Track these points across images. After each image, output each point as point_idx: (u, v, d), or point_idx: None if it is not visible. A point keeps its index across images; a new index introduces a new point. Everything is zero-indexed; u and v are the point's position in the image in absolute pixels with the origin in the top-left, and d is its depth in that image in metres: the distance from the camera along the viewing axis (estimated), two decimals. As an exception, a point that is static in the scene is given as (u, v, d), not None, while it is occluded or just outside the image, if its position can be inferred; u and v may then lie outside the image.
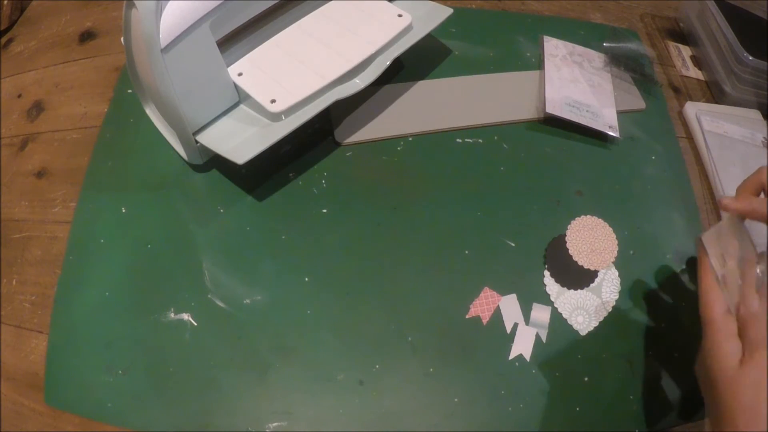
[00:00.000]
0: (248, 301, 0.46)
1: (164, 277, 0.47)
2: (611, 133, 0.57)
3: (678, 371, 0.46)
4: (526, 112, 0.59)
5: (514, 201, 0.53)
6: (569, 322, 0.47)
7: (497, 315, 0.47)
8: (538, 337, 0.46)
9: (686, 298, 0.49)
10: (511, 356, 0.45)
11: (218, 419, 0.41)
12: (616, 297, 0.48)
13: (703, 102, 0.63)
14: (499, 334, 0.46)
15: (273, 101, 0.47)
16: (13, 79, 0.61)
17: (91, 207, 0.51)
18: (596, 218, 0.47)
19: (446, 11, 0.56)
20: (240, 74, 0.48)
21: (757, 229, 0.41)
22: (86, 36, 0.64)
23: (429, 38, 0.55)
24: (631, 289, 0.49)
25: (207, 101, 0.48)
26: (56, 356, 0.44)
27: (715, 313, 0.37)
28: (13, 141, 0.56)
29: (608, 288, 0.49)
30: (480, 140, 0.57)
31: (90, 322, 0.45)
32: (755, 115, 0.62)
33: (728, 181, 0.55)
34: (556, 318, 0.47)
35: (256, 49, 0.51)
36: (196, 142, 0.49)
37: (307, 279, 0.47)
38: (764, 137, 0.59)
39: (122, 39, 0.46)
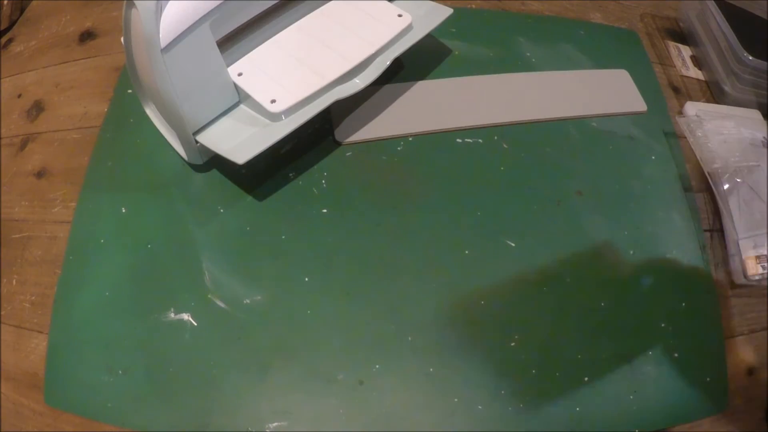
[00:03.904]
0: (248, 301, 0.46)
1: (164, 277, 0.47)
2: None
3: (678, 371, 0.46)
4: (526, 112, 0.59)
5: (514, 201, 0.53)
6: (569, 322, 0.47)
7: (497, 315, 0.47)
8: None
9: (686, 297, 0.49)
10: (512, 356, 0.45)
11: (218, 419, 0.41)
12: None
13: (703, 102, 0.63)
14: (499, 334, 0.46)
15: (273, 101, 0.47)
16: (13, 79, 0.61)
17: (91, 207, 0.51)
18: None
19: (446, 11, 0.56)
20: (240, 74, 0.48)
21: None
22: (86, 36, 0.64)
23: (429, 38, 0.55)
24: (631, 289, 0.49)
25: (207, 101, 0.48)
26: (56, 356, 0.44)
27: None
28: (13, 141, 0.56)
29: (608, 288, 0.49)
30: (480, 140, 0.57)
31: (90, 322, 0.45)
32: (755, 115, 0.62)
33: (728, 181, 0.55)
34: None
35: (256, 49, 0.51)
36: (196, 142, 0.49)
37: (307, 279, 0.47)
38: (764, 137, 0.59)
39: (122, 39, 0.46)
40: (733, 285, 0.51)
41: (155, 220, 0.50)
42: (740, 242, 0.52)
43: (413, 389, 0.43)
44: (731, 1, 0.65)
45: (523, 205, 0.53)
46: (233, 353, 0.44)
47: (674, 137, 0.59)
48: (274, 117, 0.47)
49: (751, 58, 0.59)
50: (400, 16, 0.53)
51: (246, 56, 0.50)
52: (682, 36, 0.71)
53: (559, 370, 0.45)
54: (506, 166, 0.55)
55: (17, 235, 0.50)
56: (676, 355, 0.46)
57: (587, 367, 0.45)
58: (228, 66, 0.48)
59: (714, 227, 0.54)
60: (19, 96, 0.60)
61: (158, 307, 0.45)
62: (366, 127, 0.56)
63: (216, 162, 0.52)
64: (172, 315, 0.45)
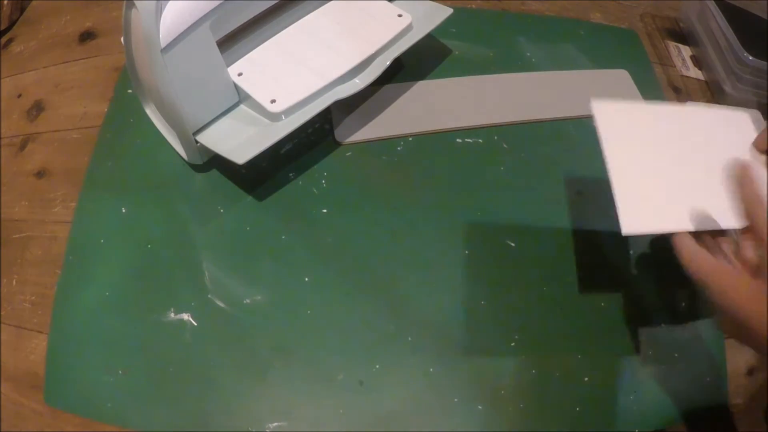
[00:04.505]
0: (248, 301, 0.46)
1: (164, 277, 0.47)
2: None
3: (678, 371, 0.46)
4: (526, 112, 0.59)
5: (514, 201, 0.53)
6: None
7: (497, 315, 0.47)
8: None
9: (686, 298, 0.49)
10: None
11: (218, 419, 0.41)
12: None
13: (703, 102, 0.63)
14: (499, 334, 0.46)
15: (273, 101, 0.47)
16: (13, 79, 0.61)
17: (91, 207, 0.51)
18: None
19: (446, 11, 0.56)
20: (240, 74, 0.48)
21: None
22: (86, 36, 0.64)
23: (429, 38, 0.55)
24: (630, 289, 0.49)
25: (207, 101, 0.48)
26: (56, 356, 0.44)
27: (709, 265, 0.35)
28: (13, 141, 0.56)
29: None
30: (480, 140, 0.57)
31: (90, 322, 0.45)
32: (755, 115, 0.61)
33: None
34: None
35: (256, 49, 0.51)
36: (196, 142, 0.49)
37: (307, 279, 0.47)
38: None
39: (122, 39, 0.46)
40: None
41: (155, 220, 0.50)
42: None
43: (413, 389, 0.43)
44: (731, 1, 0.65)
45: (523, 205, 0.53)
46: (233, 353, 0.44)
47: (674, 137, 0.59)
48: (274, 117, 0.47)
49: (751, 58, 0.59)
50: (400, 16, 0.53)
51: (246, 56, 0.50)
52: (682, 36, 0.71)
53: (559, 370, 0.45)
54: (506, 166, 0.55)
55: (17, 235, 0.50)
56: (676, 355, 0.46)
57: (587, 367, 0.45)
58: (228, 66, 0.48)
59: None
60: (19, 96, 0.60)
61: (158, 307, 0.45)
62: (366, 127, 0.56)
63: (216, 162, 0.52)
64: (172, 315, 0.45)
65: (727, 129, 0.40)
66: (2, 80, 0.61)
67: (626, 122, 0.38)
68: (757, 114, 0.41)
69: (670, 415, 0.44)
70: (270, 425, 0.41)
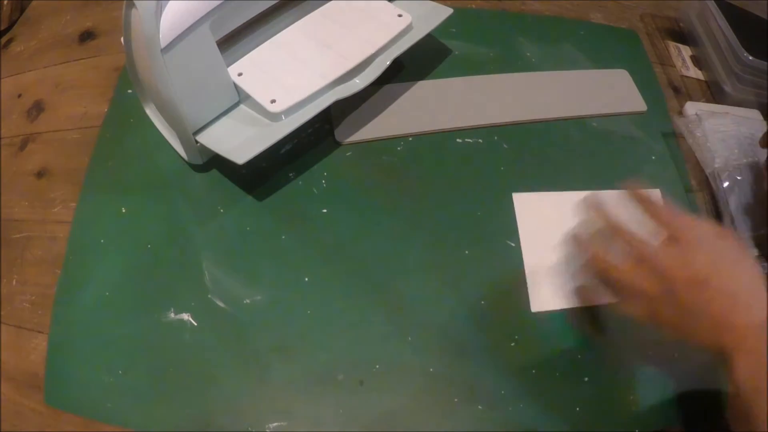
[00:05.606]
0: (248, 301, 0.46)
1: (164, 277, 0.47)
2: None
3: (678, 372, 0.46)
4: (526, 112, 0.59)
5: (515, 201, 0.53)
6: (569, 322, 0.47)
7: (497, 314, 0.47)
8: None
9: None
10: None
11: (218, 419, 0.41)
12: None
13: (703, 102, 0.63)
14: (499, 334, 0.46)
15: (273, 101, 0.47)
16: (13, 79, 0.61)
17: (91, 207, 0.51)
18: None
19: (446, 11, 0.56)
20: (240, 74, 0.48)
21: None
22: (86, 36, 0.64)
23: (429, 38, 0.55)
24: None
25: (207, 101, 0.48)
26: (56, 356, 0.44)
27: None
28: (13, 141, 0.56)
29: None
30: (480, 140, 0.57)
31: (90, 322, 0.45)
32: (755, 115, 0.61)
33: (728, 179, 0.55)
34: (557, 318, 0.47)
35: (256, 49, 0.51)
36: (196, 142, 0.49)
37: (307, 279, 0.47)
38: (764, 137, 0.59)
39: (122, 39, 0.46)
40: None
41: (155, 220, 0.50)
42: (740, 242, 0.52)
43: (413, 389, 0.43)
44: (731, 1, 0.65)
45: (523, 205, 0.53)
46: (233, 353, 0.44)
47: (674, 137, 0.59)
48: (274, 117, 0.47)
49: (751, 58, 0.59)
50: (400, 16, 0.53)
51: (246, 56, 0.50)
52: (682, 36, 0.71)
53: (559, 370, 0.45)
54: (506, 166, 0.55)
55: (17, 235, 0.50)
56: (675, 355, 0.46)
57: (587, 367, 0.45)
58: (228, 66, 0.48)
59: (714, 227, 0.54)
60: (19, 96, 0.60)
61: (158, 307, 0.45)
62: (366, 127, 0.56)
63: (216, 162, 0.52)
64: (172, 315, 0.45)
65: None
66: (2, 80, 0.61)
67: (537, 208, 0.49)
68: (657, 192, 0.47)
69: (670, 415, 0.44)
70: (270, 425, 0.41)
